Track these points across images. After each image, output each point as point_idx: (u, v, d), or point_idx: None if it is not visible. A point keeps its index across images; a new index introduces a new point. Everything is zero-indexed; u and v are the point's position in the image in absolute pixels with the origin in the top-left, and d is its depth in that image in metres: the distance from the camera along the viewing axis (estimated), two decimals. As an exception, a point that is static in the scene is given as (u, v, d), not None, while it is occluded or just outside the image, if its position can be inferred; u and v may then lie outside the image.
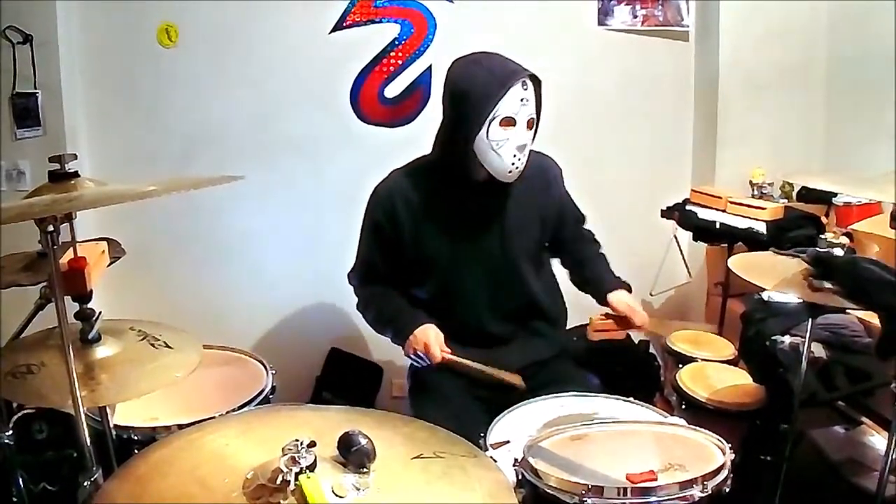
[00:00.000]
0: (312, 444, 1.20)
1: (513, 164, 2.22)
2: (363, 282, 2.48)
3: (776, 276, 2.03)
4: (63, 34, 3.27)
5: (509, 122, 2.19)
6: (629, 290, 2.48)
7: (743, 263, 2.19)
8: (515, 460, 1.72)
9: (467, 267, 2.36)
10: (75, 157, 1.63)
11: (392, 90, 3.61)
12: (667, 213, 3.61)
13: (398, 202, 2.35)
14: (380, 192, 2.40)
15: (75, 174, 1.59)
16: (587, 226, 2.65)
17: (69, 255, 1.60)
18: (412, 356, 2.33)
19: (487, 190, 2.30)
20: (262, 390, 2.25)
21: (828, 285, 1.88)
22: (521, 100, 2.19)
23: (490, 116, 2.18)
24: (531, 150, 2.33)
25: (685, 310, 3.97)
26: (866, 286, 1.73)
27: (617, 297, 2.41)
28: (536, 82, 2.24)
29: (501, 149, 2.20)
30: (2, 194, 3.28)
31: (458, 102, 2.26)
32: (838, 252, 1.98)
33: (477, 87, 2.21)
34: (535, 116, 2.25)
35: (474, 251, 2.36)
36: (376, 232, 2.39)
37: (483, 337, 2.39)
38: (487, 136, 2.20)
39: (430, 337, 2.28)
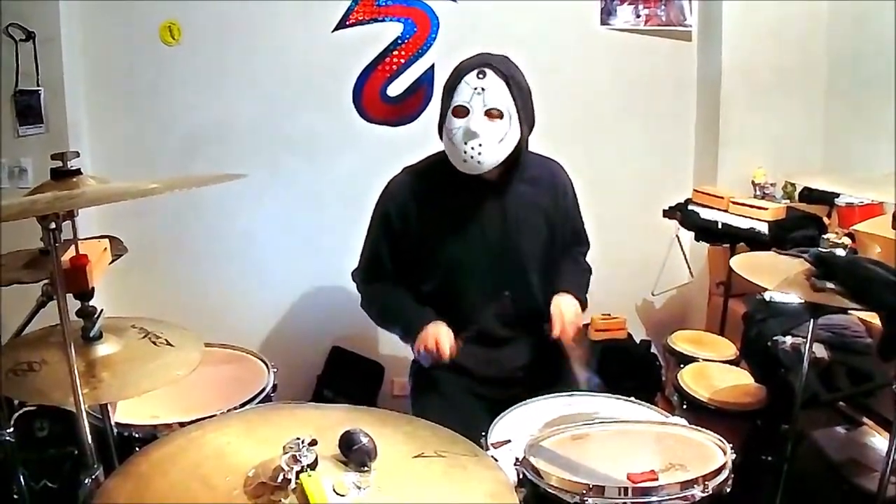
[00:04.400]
0: (314, 443, 1.21)
1: (465, 152, 2.21)
2: (367, 278, 2.48)
3: (778, 276, 2.03)
4: (66, 32, 3.26)
5: (461, 111, 2.21)
6: (583, 305, 2.39)
7: (745, 263, 2.19)
8: (516, 459, 1.73)
9: (470, 265, 2.36)
10: (77, 154, 1.63)
11: (394, 89, 3.61)
12: (669, 213, 3.61)
13: (408, 197, 2.37)
14: (391, 186, 2.43)
15: (77, 172, 1.59)
16: (589, 256, 2.61)
17: (71, 252, 1.60)
18: (422, 353, 2.31)
19: (493, 189, 2.30)
20: (264, 388, 2.25)
21: (830, 286, 1.88)
22: (475, 89, 2.20)
23: (448, 106, 2.24)
24: (542, 156, 2.34)
25: (686, 310, 3.97)
26: (868, 287, 1.73)
27: (556, 300, 2.33)
28: (502, 74, 2.22)
29: (454, 137, 2.22)
30: (4, 192, 3.28)
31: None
32: (840, 252, 1.98)
33: (446, 81, 2.29)
34: (500, 108, 2.21)
35: (476, 250, 2.36)
36: (385, 225, 2.40)
37: (483, 337, 2.40)
38: (446, 126, 2.25)
39: (442, 334, 2.27)
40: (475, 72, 2.20)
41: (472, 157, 2.21)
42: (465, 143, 2.20)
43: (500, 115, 2.22)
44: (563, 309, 2.29)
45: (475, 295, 2.38)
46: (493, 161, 2.24)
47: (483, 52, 2.30)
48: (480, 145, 2.20)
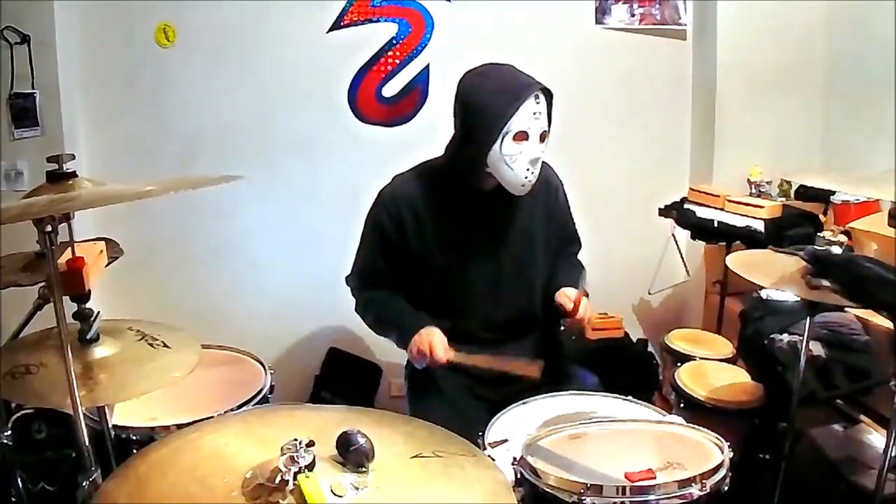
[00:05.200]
0: (311, 444, 1.20)
1: (526, 177, 2.20)
2: (363, 285, 2.46)
3: (774, 274, 2.04)
4: (61, 34, 3.26)
5: (522, 136, 2.17)
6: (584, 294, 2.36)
7: (741, 261, 2.19)
8: (514, 459, 1.72)
9: (469, 274, 2.35)
10: (73, 157, 1.63)
11: (390, 89, 3.62)
12: (665, 212, 3.61)
13: (403, 206, 2.33)
14: (384, 196, 2.38)
15: (73, 174, 1.59)
16: (581, 256, 2.60)
17: (67, 255, 1.60)
18: (416, 357, 2.30)
19: (494, 199, 2.30)
20: (261, 390, 2.25)
21: (826, 283, 1.88)
22: (534, 114, 2.16)
23: (504, 131, 2.16)
24: None
25: (683, 308, 3.98)
26: (864, 284, 1.73)
27: (561, 293, 2.32)
28: (548, 95, 2.22)
29: (515, 163, 2.18)
30: (0, 195, 3.28)
31: (470, 116, 2.24)
32: (836, 250, 1.98)
33: (489, 101, 2.19)
34: (547, 129, 2.22)
35: (478, 259, 2.35)
36: (380, 235, 2.37)
37: (478, 339, 2.39)
38: (501, 151, 2.18)
39: (435, 338, 2.24)
40: (533, 96, 2.16)
41: (529, 181, 2.22)
42: (528, 170, 2.20)
43: (544, 137, 2.23)
44: (569, 294, 2.29)
45: (473, 302, 2.38)
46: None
47: (498, 63, 2.27)
48: (537, 168, 2.22)
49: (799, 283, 1.96)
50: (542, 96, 2.19)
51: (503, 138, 2.16)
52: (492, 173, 2.24)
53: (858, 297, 1.82)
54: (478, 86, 2.25)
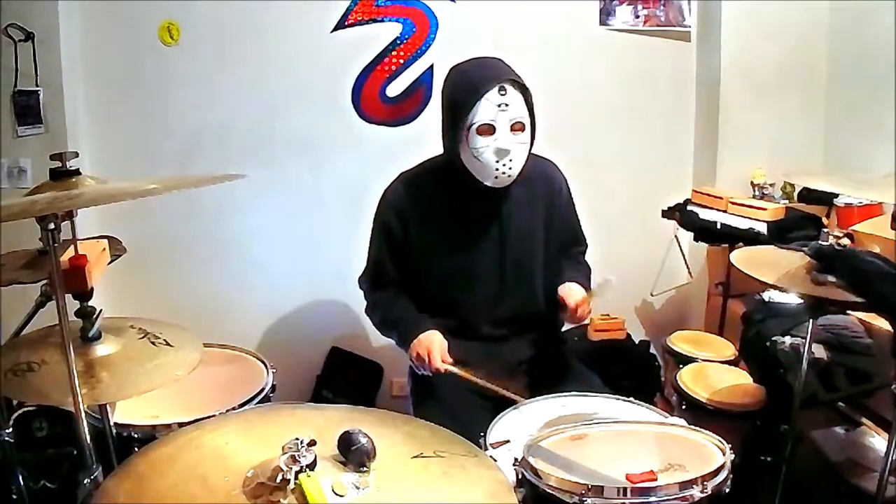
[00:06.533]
0: (312, 443, 1.20)
1: (497, 169, 2.21)
2: (373, 286, 2.49)
3: (778, 271, 2.03)
4: (65, 32, 3.26)
5: (487, 129, 2.19)
6: (587, 290, 2.38)
7: (745, 258, 2.19)
8: (515, 460, 1.72)
9: (471, 270, 2.37)
10: (76, 154, 1.63)
11: (393, 89, 3.61)
12: (668, 214, 3.61)
13: (406, 204, 2.36)
14: (388, 194, 2.42)
15: (76, 172, 1.59)
16: (589, 257, 2.62)
17: (70, 252, 1.60)
18: (415, 361, 2.32)
19: (491, 193, 2.30)
20: (263, 389, 2.25)
21: (831, 279, 1.88)
22: (499, 105, 2.17)
23: (467, 124, 2.19)
24: (536, 156, 2.34)
25: (685, 310, 3.97)
26: (868, 279, 1.72)
27: (562, 288, 2.35)
28: (520, 86, 2.22)
29: (482, 156, 2.20)
30: (3, 192, 3.28)
31: (443, 110, 2.32)
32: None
33: (454, 95, 2.24)
34: (522, 120, 2.22)
35: (478, 255, 2.36)
36: (386, 234, 2.40)
37: (481, 336, 2.40)
38: (468, 144, 2.21)
39: (434, 344, 2.27)
40: (496, 88, 2.17)
41: (503, 174, 2.22)
42: (498, 162, 2.20)
43: (522, 128, 2.22)
44: (573, 291, 2.31)
45: (477, 299, 2.38)
46: (518, 171, 2.25)
47: (482, 57, 2.29)
48: (511, 160, 2.21)
49: (804, 279, 1.96)
50: (509, 88, 2.19)
51: (468, 131, 2.20)
52: (466, 167, 2.26)
53: (862, 293, 1.81)
54: (451, 80, 2.31)
